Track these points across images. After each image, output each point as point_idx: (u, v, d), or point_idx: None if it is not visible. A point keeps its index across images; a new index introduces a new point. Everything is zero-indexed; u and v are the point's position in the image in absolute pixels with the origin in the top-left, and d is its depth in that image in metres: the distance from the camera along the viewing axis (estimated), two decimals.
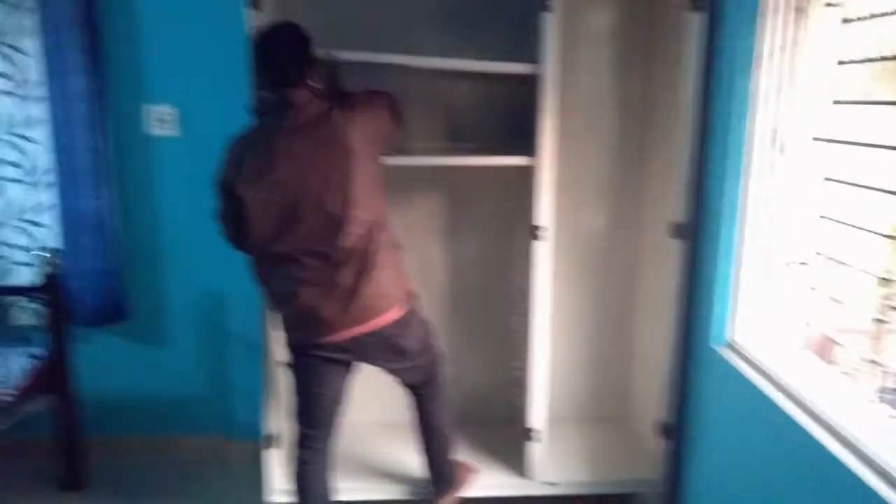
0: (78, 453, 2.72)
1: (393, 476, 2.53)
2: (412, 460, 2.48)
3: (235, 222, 1.98)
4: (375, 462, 2.61)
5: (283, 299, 2.01)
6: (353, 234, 1.91)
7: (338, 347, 2.01)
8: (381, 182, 2.01)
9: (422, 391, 2.27)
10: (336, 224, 1.89)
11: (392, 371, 2.19)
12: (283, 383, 2.49)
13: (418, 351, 2.16)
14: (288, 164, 1.87)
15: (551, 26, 2.16)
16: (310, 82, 1.94)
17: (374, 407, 2.71)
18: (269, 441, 2.41)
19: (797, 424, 1.69)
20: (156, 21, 2.59)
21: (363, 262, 1.94)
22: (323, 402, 2.11)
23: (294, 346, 2.09)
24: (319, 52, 2.21)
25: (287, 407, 2.58)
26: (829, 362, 1.94)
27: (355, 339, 1.99)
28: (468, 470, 2.46)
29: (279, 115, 1.91)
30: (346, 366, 2.12)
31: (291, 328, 2.06)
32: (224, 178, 1.94)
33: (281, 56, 1.92)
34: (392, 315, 2.02)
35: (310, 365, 2.06)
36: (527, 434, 2.44)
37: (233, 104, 2.46)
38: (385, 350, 2.08)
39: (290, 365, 2.13)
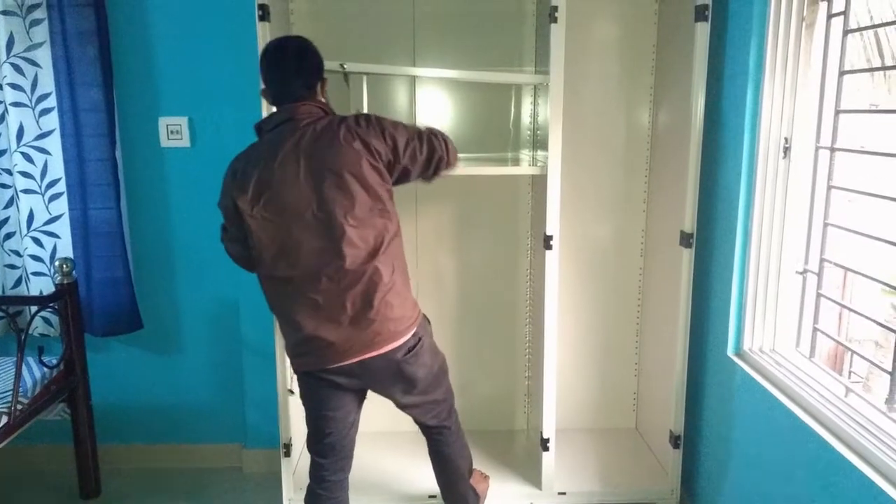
0: (92, 461, 2.74)
1: (407, 488, 2.54)
2: (424, 472, 2.48)
3: (243, 244, 1.94)
4: (388, 473, 2.63)
5: (290, 325, 1.92)
6: (354, 255, 1.83)
7: (345, 372, 1.93)
8: (388, 200, 1.90)
9: (438, 436, 2.19)
10: (335, 244, 1.82)
11: (406, 406, 2.10)
12: (296, 391, 2.51)
13: (428, 382, 2.05)
14: (285, 182, 1.80)
15: (558, 37, 2.17)
16: (317, 98, 1.91)
17: (380, 417, 2.72)
18: (287, 449, 2.42)
19: (810, 433, 1.69)
20: (166, 33, 2.62)
21: (369, 283, 1.86)
22: (332, 425, 2.02)
23: (300, 371, 2.00)
24: (329, 65, 2.24)
25: (300, 413, 2.61)
26: (841, 370, 1.94)
27: (363, 364, 1.91)
28: (483, 479, 2.46)
29: (283, 131, 1.84)
30: (356, 392, 2.04)
31: (298, 354, 1.95)
32: (229, 198, 1.87)
33: (286, 70, 1.87)
34: (401, 339, 1.92)
35: (318, 388, 1.98)
36: (543, 444, 2.45)
37: (243, 115, 2.50)
38: (394, 378, 1.98)
39: (295, 391, 2.05)
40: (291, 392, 2.08)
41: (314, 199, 1.81)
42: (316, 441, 2.06)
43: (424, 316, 2.07)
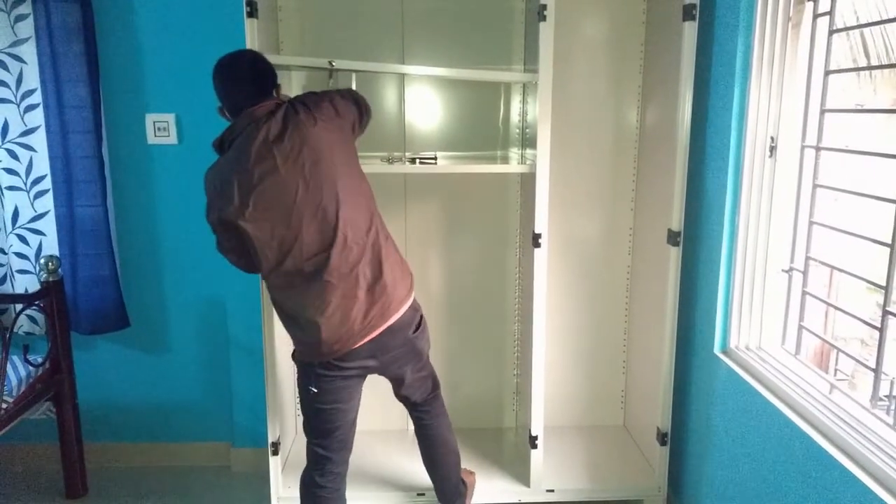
0: (78, 460, 2.72)
1: (396, 485, 2.54)
2: (414, 469, 2.49)
3: (242, 253, 1.96)
4: (377, 471, 2.62)
5: (306, 317, 1.91)
6: (354, 228, 1.89)
7: (363, 355, 1.96)
8: (362, 172, 1.99)
9: (426, 407, 2.24)
10: (333, 223, 1.86)
11: (406, 384, 2.15)
12: (285, 389, 2.51)
13: (427, 355, 2.17)
14: (270, 177, 1.82)
15: (547, 35, 2.18)
16: (273, 96, 1.93)
17: (372, 416, 2.72)
18: (276, 447, 2.42)
19: (796, 430, 1.71)
20: (154, 28, 2.60)
21: (373, 252, 1.93)
22: (342, 418, 2.05)
23: (316, 363, 1.98)
24: (317, 62, 2.24)
25: (288, 411, 2.60)
26: (827, 368, 1.95)
27: (381, 342, 1.96)
28: (469, 474, 2.46)
29: (248, 134, 1.85)
30: (363, 378, 2.07)
31: (321, 343, 1.92)
32: (216, 212, 1.89)
33: (243, 83, 1.89)
34: (408, 302, 2.01)
35: (333, 380, 1.99)
36: (532, 441, 2.45)
37: None
38: (407, 354, 2.06)
39: (308, 386, 2.02)
40: (314, 391, 2.03)
41: (300, 185, 1.84)
42: (325, 435, 2.06)
43: None
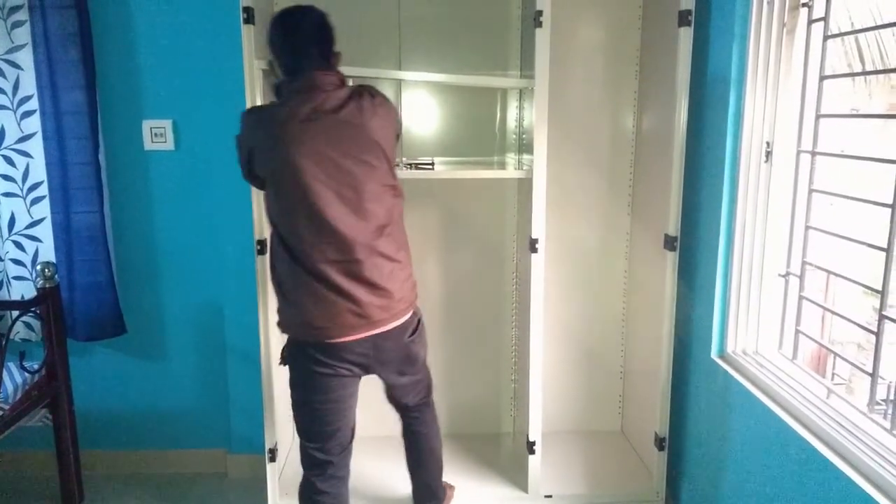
0: (74, 468, 2.71)
1: (389, 493, 2.53)
2: (401, 476, 2.49)
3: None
4: (370, 477, 2.62)
5: (308, 291, 1.86)
6: (370, 228, 1.86)
7: (354, 351, 1.91)
8: (395, 178, 1.95)
9: (417, 413, 2.22)
10: (354, 214, 1.84)
11: (399, 386, 2.13)
12: (282, 395, 2.50)
13: (423, 361, 2.14)
14: (311, 149, 1.78)
15: (544, 41, 2.18)
16: (335, 69, 1.90)
17: (372, 420, 2.71)
18: (273, 454, 2.41)
19: (793, 434, 1.71)
20: (150, 35, 2.60)
21: (383, 257, 1.90)
22: (341, 418, 1.99)
23: (305, 347, 1.92)
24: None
25: (285, 418, 2.59)
26: (824, 372, 1.96)
27: (376, 343, 1.93)
28: (449, 488, 2.46)
29: (302, 98, 1.80)
30: (357, 379, 2.02)
31: (309, 324, 1.88)
32: (246, 142, 1.89)
33: (306, 36, 1.84)
34: (407, 315, 1.98)
35: (322, 376, 1.93)
36: (529, 447, 2.45)
37: (228, 118, 2.49)
38: (401, 358, 2.03)
39: (296, 380, 1.99)
40: (301, 378, 1.99)
41: (339, 170, 1.81)
42: (322, 438, 2.00)
43: None
